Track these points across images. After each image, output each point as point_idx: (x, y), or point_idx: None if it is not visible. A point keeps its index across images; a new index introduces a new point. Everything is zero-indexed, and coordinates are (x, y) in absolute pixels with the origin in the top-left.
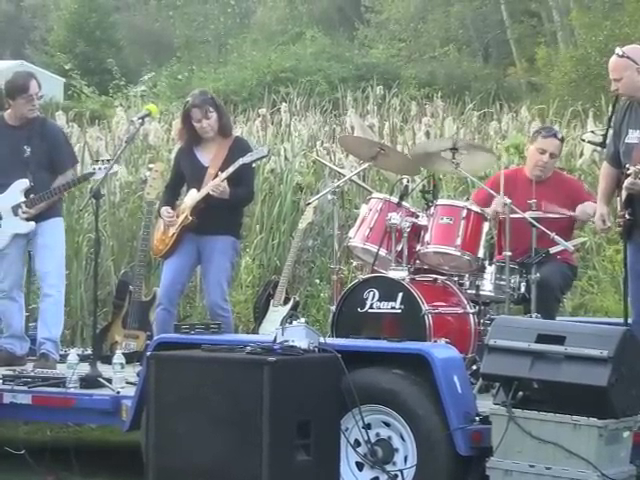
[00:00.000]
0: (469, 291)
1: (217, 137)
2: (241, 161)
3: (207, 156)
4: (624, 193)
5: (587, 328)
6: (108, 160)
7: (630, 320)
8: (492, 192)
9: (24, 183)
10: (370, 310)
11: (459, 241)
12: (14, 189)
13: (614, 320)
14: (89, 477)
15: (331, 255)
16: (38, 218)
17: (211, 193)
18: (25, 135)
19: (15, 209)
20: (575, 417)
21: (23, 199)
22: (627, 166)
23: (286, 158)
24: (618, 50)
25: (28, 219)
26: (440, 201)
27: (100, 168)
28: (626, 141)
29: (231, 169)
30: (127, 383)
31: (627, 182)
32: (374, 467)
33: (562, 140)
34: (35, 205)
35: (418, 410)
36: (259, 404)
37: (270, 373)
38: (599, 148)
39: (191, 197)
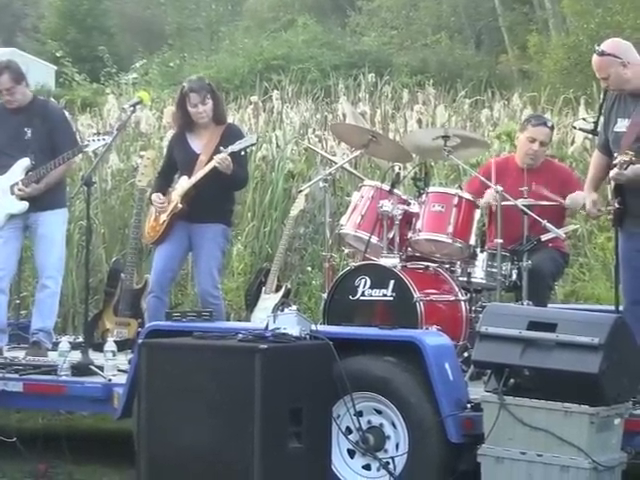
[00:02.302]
0: (461, 278)
1: (210, 124)
2: (230, 149)
3: (199, 143)
4: (613, 182)
5: (578, 315)
6: (100, 133)
7: (621, 307)
8: (486, 181)
9: (25, 162)
10: (362, 297)
11: (451, 228)
12: (16, 168)
13: (605, 307)
14: (81, 464)
15: (323, 243)
16: (41, 206)
17: (216, 166)
18: (25, 118)
19: (12, 187)
20: (566, 404)
21: (23, 177)
22: (615, 155)
23: (278, 146)
24: (597, 48)
25: (22, 199)
26: (432, 189)
27: (94, 140)
28: (615, 130)
29: (222, 155)
30: (119, 371)
31: (612, 173)
32: (365, 454)
33: (552, 128)
34: (31, 183)
35: (409, 397)
36: (251, 392)
37: (262, 361)
38: (590, 135)
39: (182, 184)
